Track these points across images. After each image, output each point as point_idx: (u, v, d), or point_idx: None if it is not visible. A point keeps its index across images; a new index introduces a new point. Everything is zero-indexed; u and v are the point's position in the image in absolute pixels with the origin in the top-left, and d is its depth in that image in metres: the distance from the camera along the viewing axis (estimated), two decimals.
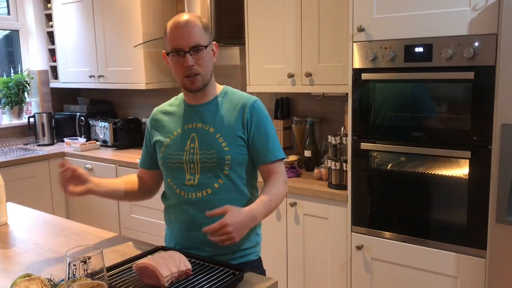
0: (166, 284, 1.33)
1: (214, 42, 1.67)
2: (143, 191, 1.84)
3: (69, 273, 1.14)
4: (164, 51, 1.66)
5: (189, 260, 1.44)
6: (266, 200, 1.57)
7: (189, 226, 1.65)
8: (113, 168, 3.69)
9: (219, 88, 1.75)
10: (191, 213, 1.64)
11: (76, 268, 1.14)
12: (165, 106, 1.80)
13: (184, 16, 1.60)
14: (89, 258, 1.15)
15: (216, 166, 1.61)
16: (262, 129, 1.66)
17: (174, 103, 1.78)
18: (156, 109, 1.81)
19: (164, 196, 1.78)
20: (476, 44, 2.02)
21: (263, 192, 1.61)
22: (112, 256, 1.64)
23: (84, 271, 1.15)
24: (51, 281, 1.35)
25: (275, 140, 1.68)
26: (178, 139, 1.68)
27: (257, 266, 1.72)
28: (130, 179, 1.84)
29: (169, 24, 1.61)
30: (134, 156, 3.72)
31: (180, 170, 1.65)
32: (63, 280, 1.29)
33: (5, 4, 4.46)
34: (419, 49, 2.18)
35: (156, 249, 1.62)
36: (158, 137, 1.73)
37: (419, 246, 2.29)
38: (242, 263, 1.65)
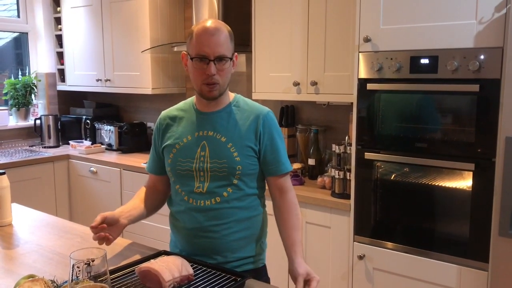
0: None
1: (235, 54, 1.65)
2: (158, 201, 1.82)
3: (72, 275, 1.15)
4: (185, 52, 1.64)
5: (191, 266, 1.45)
6: (300, 234, 1.65)
7: (196, 233, 1.64)
8: (117, 171, 3.70)
9: (231, 96, 1.73)
10: (199, 221, 1.62)
11: (79, 270, 1.15)
12: (173, 110, 1.77)
13: (213, 23, 1.58)
14: (92, 261, 1.16)
15: (226, 175, 1.61)
16: (274, 141, 1.67)
17: (183, 108, 1.76)
18: (164, 113, 1.79)
19: (170, 202, 1.77)
20: (482, 57, 2.03)
21: (293, 226, 1.64)
22: (115, 260, 1.65)
23: (88, 273, 1.15)
24: (54, 282, 1.36)
25: (285, 153, 1.70)
26: (188, 146, 1.65)
27: (263, 274, 1.73)
28: (144, 196, 1.79)
29: (197, 28, 1.58)
30: (139, 160, 3.74)
31: (189, 178, 1.64)
32: (66, 282, 1.30)
33: (15, 6, 4.50)
34: (424, 61, 2.19)
35: (159, 254, 1.62)
36: (167, 142, 1.70)
37: (421, 257, 2.29)
38: (248, 270, 1.65)
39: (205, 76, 1.57)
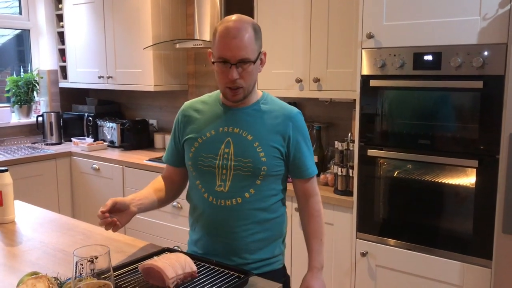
0: (172, 286, 1.34)
1: (263, 51, 1.59)
2: (173, 193, 1.77)
3: (76, 272, 1.15)
4: (210, 50, 1.58)
5: (194, 263, 1.45)
6: (319, 243, 1.68)
7: (215, 233, 1.60)
8: (119, 168, 3.70)
9: (259, 93, 1.67)
10: (218, 220, 1.58)
11: (83, 268, 1.15)
12: (197, 102, 1.71)
13: (237, 22, 1.50)
14: (96, 258, 1.15)
15: (250, 175, 1.56)
16: (303, 144, 1.63)
17: (207, 101, 1.69)
18: (187, 104, 1.72)
19: (189, 198, 1.72)
20: (486, 53, 2.02)
21: (312, 233, 1.67)
22: (118, 257, 1.65)
23: (91, 270, 1.15)
24: (58, 279, 1.36)
25: (312, 156, 1.68)
26: (211, 141, 1.60)
27: (282, 274, 1.70)
28: (158, 186, 1.74)
29: (220, 29, 1.51)
30: (141, 157, 3.74)
31: (211, 175, 1.58)
32: (69, 279, 1.30)
33: (17, 3, 4.49)
34: (428, 57, 2.18)
35: (162, 251, 1.62)
36: (189, 135, 1.64)
37: (424, 254, 2.29)
38: (268, 272, 1.62)
39: (228, 80, 1.51)
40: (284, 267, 1.74)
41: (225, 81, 1.53)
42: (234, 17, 1.53)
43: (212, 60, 1.54)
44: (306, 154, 1.64)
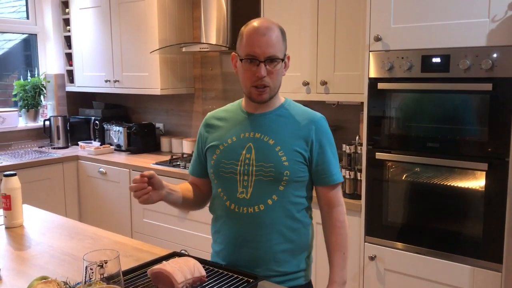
0: None
1: (288, 54, 1.59)
2: (199, 199, 1.74)
3: (85, 276, 1.15)
4: (234, 53, 1.58)
5: (204, 267, 1.44)
6: (342, 256, 1.59)
7: (237, 243, 1.57)
8: (126, 172, 3.71)
9: (281, 99, 1.65)
10: (240, 229, 1.55)
11: (92, 272, 1.15)
12: (219, 111, 1.71)
13: (264, 22, 1.52)
14: (105, 262, 1.15)
15: (272, 180, 1.52)
16: (327, 149, 1.58)
17: (229, 109, 1.69)
18: (209, 114, 1.72)
19: (212, 208, 1.69)
20: (495, 55, 2.01)
21: (335, 246, 1.60)
22: (126, 261, 1.65)
23: (101, 275, 1.15)
24: (67, 284, 1.36)
25: (337, 162, 1.62)
26: (232, 147, 1.58)
27: None
28: (187, 187, 1.72)
29: (247, 28, 1.53)
30: (148, 160, 3.74)
31: (232, 181, 1.55)
32: (79, 283, 1.29)
33: (24, 8, 4.52)
34: (436, 60, 2.16)
35: (171, 255, 1.62)
36: (211, 143, 1.63)
37: (433, 258, 2.27)
38: (298, 287, 1.58)
39: (255, 78, 1.50)
40: (309, 284, 1.67)
41: (252, 80, 1.51)
42: (261, 18, 1.57)
43: (240, 58, 1.53)
44: (330, 160, 1.59)
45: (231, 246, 1.59)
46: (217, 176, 1.60)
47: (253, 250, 1.55)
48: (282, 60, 1.54)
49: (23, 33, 4.58)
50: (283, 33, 1.56)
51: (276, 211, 1.53)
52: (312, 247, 1.69)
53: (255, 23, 1.52)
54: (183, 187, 1.71)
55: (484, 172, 2.10)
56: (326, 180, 1.59)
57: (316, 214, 1.69)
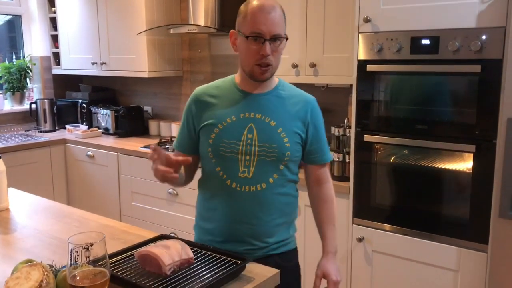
0: (168, 273, 1.33)
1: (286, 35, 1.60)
2: (188, 176, 1.74)
3: (71, 259, 1.13)
4: (234, 30, 1.57)
5: (191, 249, 1.44)
6: (333, 228, 1.71)
7: (237, 219, 1.59)
8: (114, 155, 3.68)
9: (275, 80, 1.67)
10: (241, 206, 1.58)
11: (78, 255, 1.13)
12: (210, 88, 1.67)
13: (268, 1, 1.52)
14: (91, 245, 1.14)
15: (274, 160, 1.57)
16: (320, 130, 1.67)
17: (221, 86, 1.66)
18: (200, 90, 1.67)
19: (204, 186, 1.69)
20: (484, 37, 2.00)
21: (326, 219, 1.71)
22: (114, 244, 1.64)
23: (86, 258, 1.14)
24: (53, 267, 1.34)
25: (326, 142, 1.72)
26: (232, 127, 1.57)
27: (294, 256, 1.74)
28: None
29: (250, 5, 1.52)
30: (136, 144, 3.71)
31: (234, 161, 1.56)
32: (65, 266, 1.28)
33: None
34: (425, 41, 2.15)
35: (158, 237, 1.61)
36: (207, 121, 1.60)
37: (420, 239, 2.29)
38: (284, 252, 1.67)
39: (259, 56, 1.51)
40: (296, 250, 1.76)
41: (256, 58, 1.52)
42: None
43: (245, 36, 1.51)
44: (323, 140, 1.69)
45: (229, 223, 1.61)
46: (216, 155, 1.59)
47: (253, 226, 1.59)
48: (286, 39, 1.56)
49: (7, 14, 4.48)
50: (283, 12, 1.58)
51: (276, 189, 1.60)
52: (296, 217, 1.77)
53: (257, 1, 1.52)
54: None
55: (472, 154, 2.11)
56: (318, 159, 1.69)
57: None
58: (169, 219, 3.38)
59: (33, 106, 4.39)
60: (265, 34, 1.49)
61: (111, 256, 1.43)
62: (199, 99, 1.65)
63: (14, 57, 4.52)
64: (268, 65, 1.53)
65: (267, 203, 1.59)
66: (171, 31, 3.52)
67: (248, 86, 1.62)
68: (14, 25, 4.57)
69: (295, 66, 2.86)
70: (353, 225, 2.49)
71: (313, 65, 2.79)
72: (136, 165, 3.52)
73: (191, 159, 1.52)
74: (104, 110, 4.19)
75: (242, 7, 1.56)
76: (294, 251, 1.74)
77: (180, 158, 1.48)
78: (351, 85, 2.46)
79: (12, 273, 1.29)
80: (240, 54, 1.58)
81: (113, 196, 3.76)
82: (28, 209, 2.09)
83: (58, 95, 4.63)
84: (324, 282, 1.65)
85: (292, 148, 1.59)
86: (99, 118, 4.25)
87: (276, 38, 1.51)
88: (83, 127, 4.24)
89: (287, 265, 1.65)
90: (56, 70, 4.51)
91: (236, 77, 1.67)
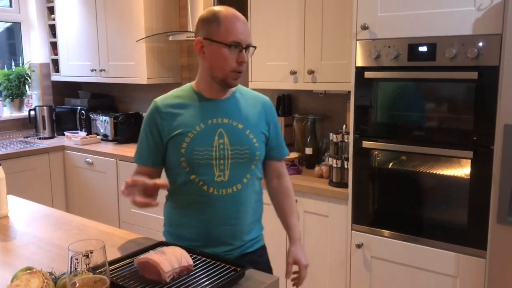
0: (168, 280, 1.33)
1: None
2: (156, 193, 1.66)
3: (71, 267, 1.14)
4: (201, 38, 1.59)
5: (190, 256, 1.44)
6: (296, 217, 1.83)
7: (217, 222, 1.64)
8: (113, 162, 3.68)
9: None
10: (220, 209, 1.62)
11: (78, 262, 1.14)
12: (170, 98, 1.68)
13: (236, 11, 1.59)
14: (91, 252, 1.14)
15: (247, 162, 1.65)
16: (278, 127, 1.78)
17: (182, 96, 1.68)
18: (160, 101, 1.68)
19: (178, 196, 1.69)
20: (480, 44, 2.02)
21: (289, 209, 1.82)
22: (113, 251, 1.64)
23: (86, 265, 1.14)
24: (53, 274, 1.35)
25: (283, 137, 1.83)
26: (203, 134, 1.60)
27: (265, 251, 1.82)
28: None
29: (223, 13, 1.56)
30: (135, 150, 3.71)
31: (208, 167, 1.60)
32: (64, 274, 1.28)
33: None
34: (423, 48, 2.17)
35: (158, 244, 1.61)
36: (177, 131, 1.61)
37: (419, 245, 2.29)
38: (258, 249, 1.76)
39: (237, 64, 1.58)
40: (265, 245, 1.85)
41: (233, 65, 1.58)
42: (225, 6, 1.61)
43: (225, 43, 1.55)
44: (281, 136, 1.80)
45: (208, 227, 1.64)
46: (190, 164, 1.61)
47: (231, 227, 1.66)
48: (255, 48, 1.64)
49: (6, 22, 4.50)
50: None
51: (249, 188, 1.68)
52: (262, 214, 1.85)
53: (226, 10, 1.58)
54: None
55: (470, 160, 2.12)
56: (278, 155, 1.80)
57: None
58: None
59: (32, 113, 4.40)
60: (242, 42, 1.57)
61: (111, 263, 1.43)
62: (163, 111, 1.65)
63: (13, 64, 4.53)
64: (241, 71, 1.60)
65: (243, 203, 1.66)
66: (170, 38, 3.54)
67: (212, 93, 1.66)
68: (14, 32, 4.58)
69: (293, 73, 2.88)
70: (352, 231, 2.49)
71: (311, 72, 2.81)
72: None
73: (167, 183, 1.51)
74: (103, 117, 4.19)
75: (208, 15, 1.59)
76: (264, 247, 1.83)
77: (159, 182, 1.48)
78: (349, 92, 2.48)
79: (12, 280, 1.29)
80: (211, 62, 1.60)
81: (112, 203, 3.76)
82: (27, 216, 2.09)
83: (57, 101, 4.64)
84: (295, 268, 1.77)
85: (261, 148, 1.68)
86: (98, 125, 4.26)
87: (248, 47, 1.59)
88: (82, 133, 4.24)
89: (261, 260, 1.75)
90: (55, 77, 4.52)
91: (195, 85, 1.69)
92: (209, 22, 1.58)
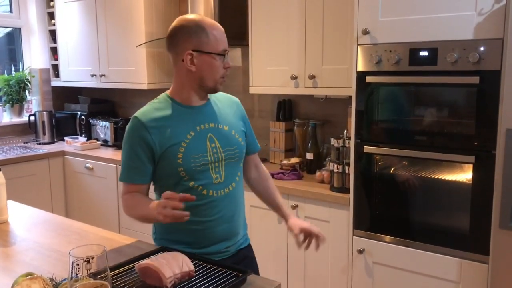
0: (169, 285, 1.32)
1: None
2: None
3: (72, 272, 1.13)
4: (189, 51, 1.57)
5: (192, 262, 1.43)
6: (280, 196, 1.93)
7: (218, 222, 1.67)
8: (113, 167, 3.67)
9: None
10: (221, 209, 1.67)
11: (79, 268, 1.13)
12: (152, 112, 1.64)
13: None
14: (92, 258, 1.13)
15: (237, 161, 1.73)
16: (249, 123, 1.87)
17: (162, 107, 1.65)
18: (142, 116, 1.63)
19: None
20: (482, 48, 2.02)
21: (273, 191, 1.91)
22: (113, 256, 1.63)
23: (87, 270, 1.13)
24: (53, 280, 1.34)
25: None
26: (195, 141, 1.62)
27: (252, 249, 1.88)
28: (142, 198, 1.67)
29: (207, 23, 1.60)
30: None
31: (205, 171, 1.63)
32: (65, 279, 1.27)
33: (7, 1, 4.44)
34: (424, 53, 2.17)
35: (159, 250, 1.60)
36: (169, 143, 1.59)
37: (421, 250, 2.28)
38: (248, 246, 1.83)
39: (225, 70, 1.65)
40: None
41: (221, 72, 1.64)
42: (199, 15, 1.68)
43: (218, 53, 1.60)
44: (253, 132, 1.89)
45: (209, 228, 1.66)
46: (189, 172, 1.60)
47: (231, 224, 1.72)
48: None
49: (6, 27, 4.50)
50: None
51: (240, 185, 1.77)
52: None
53: (205, 18, 1.63)
54: (144, 200, 1.64)
55: (471, 165, 2.11)
56: (254, 149, 1.89)
57: None
58: None
59: (32, 118, 4.39)
60: (227, 50, 1.65)
61: (112, 268, 1.42)
62: (149, 125, 1.61)
63: (13, 69, 4.53)
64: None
65: (238, 199, 1.74)
66: None
67: (192, 100, 1.67)
68: (14, 37, 4.58)
69: (294, 77, 2.88)
70: (354, 236, 2.48)
71: (312, 77, 2.81)
72: None
73: (193, 196, 1.50)
74: (103, 122, 4.19)
75: (191, 26, 1.58)
76: (250, 244, 1.88)
77: (186, 196, 1.46)
78: (350, 97, 2.47)
79: (13, 286, 1.28)
80: (201, 72, 1.60)
81: (112, 208, 3.75)
82: (27, 221, 2.08)
83: (57, 107, 4.64)
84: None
85: (245, 145, 1.77)
86: (98, 130, 4.25)
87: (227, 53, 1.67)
88: (82, 139, 4.23)
89: (252, 256, 1.84)
90: (55, 82, 4.52)
91: (172, 95, 1.67)
92: (196, 33, 1.57)
